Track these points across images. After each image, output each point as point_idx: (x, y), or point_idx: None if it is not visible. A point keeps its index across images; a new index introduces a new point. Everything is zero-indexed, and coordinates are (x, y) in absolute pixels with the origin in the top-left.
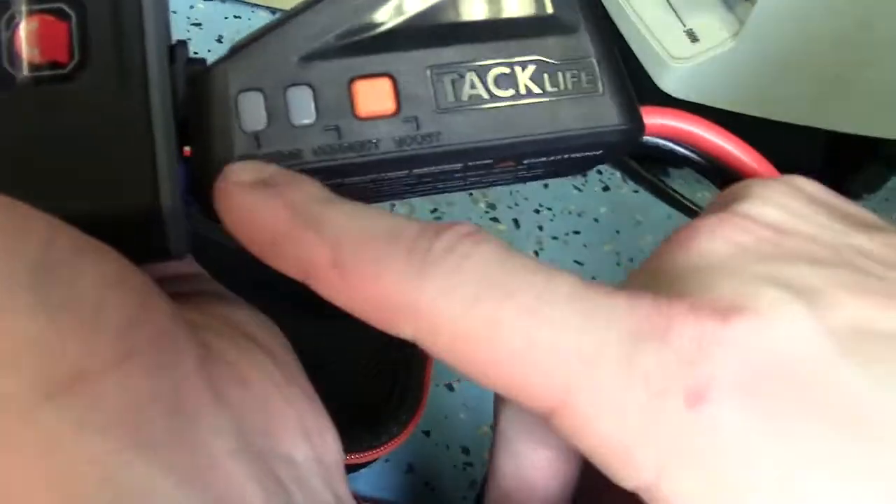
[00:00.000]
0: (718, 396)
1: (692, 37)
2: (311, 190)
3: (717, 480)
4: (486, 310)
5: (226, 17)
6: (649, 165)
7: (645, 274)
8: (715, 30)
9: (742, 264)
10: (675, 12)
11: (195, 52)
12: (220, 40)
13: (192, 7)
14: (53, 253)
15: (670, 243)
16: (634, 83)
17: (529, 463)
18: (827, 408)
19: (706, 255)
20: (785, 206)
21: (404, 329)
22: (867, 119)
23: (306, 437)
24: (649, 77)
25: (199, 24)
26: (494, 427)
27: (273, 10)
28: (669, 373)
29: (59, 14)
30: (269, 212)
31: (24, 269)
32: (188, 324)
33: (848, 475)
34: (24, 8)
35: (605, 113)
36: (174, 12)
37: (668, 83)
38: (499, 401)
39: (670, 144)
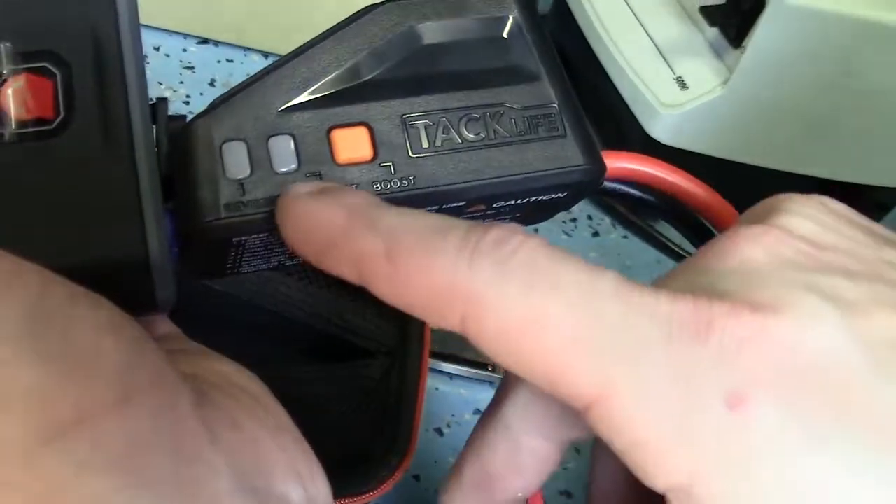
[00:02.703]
0: (758, 399)
1: (682, 84)
2: (366, 195)
3: (754, 486)
4: (535, 301)
5: (218, 61)
6: (639, 211)
7: (684, 276)
8: (704, 77)
9: (782, 272)
10: (665, 60)
11: (188, 96)
12: (212, 84)
13: (184, 50)
14: (48, 301)
15: (708, 250)
16: (624, 130)
17: (528, 452)
18: (862, 418)
19: (747, 261)
20: (819, 220)
21: (452, 318)
22: (855, 166)
23: (299, 479)
24: (639, 124)
25: (191, 68)
26: (489, 412)
27: (266, 54)
28: (710, 373)
29: (45, 72)
30: (326, 214)
31: (20, 318)
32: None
33: (882, 487)
34: (10, 66)
35: (569, 154)
36: (167, 56)
37: (658, 130)
38: (508, 389)
39: (628, 189)
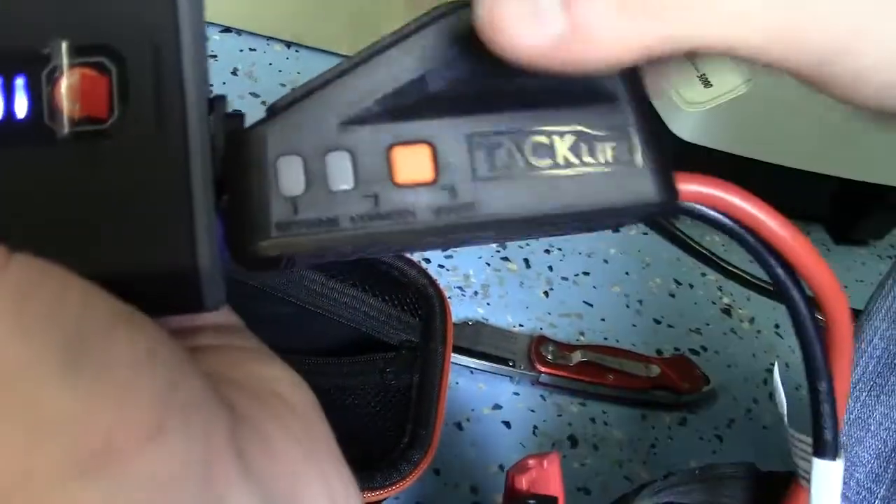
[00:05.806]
0: None
1: (705, 82)
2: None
3: None
4: None
5: (241, 50)
6: None
7: None
8: (728, 75)
9: None
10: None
11: (210, 85)
12: (235, 73)
13: (207, 39)
14: (87, 323)
15: None
16: None
17: None
18: None
19: None
20: None
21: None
22: (875, 167)
23: (332, 501)
24: (662, 120)
25: (214, 56)
26: None
27: (289, 44)
28: None
29: (100, 68)
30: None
31: (59, 339)
32: (215, 378)
33: None
34: (65, 61)
35: (641, 187)
36: None
37: (681, 127)
38: None
39: (704, 210)
